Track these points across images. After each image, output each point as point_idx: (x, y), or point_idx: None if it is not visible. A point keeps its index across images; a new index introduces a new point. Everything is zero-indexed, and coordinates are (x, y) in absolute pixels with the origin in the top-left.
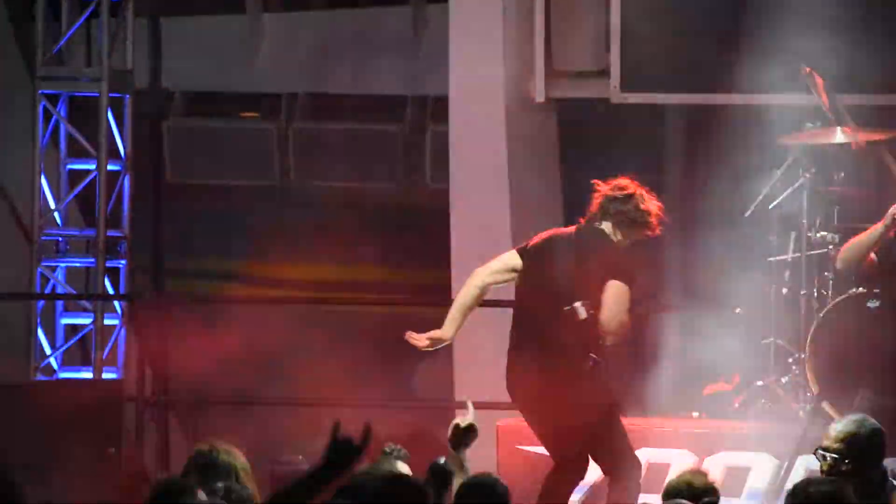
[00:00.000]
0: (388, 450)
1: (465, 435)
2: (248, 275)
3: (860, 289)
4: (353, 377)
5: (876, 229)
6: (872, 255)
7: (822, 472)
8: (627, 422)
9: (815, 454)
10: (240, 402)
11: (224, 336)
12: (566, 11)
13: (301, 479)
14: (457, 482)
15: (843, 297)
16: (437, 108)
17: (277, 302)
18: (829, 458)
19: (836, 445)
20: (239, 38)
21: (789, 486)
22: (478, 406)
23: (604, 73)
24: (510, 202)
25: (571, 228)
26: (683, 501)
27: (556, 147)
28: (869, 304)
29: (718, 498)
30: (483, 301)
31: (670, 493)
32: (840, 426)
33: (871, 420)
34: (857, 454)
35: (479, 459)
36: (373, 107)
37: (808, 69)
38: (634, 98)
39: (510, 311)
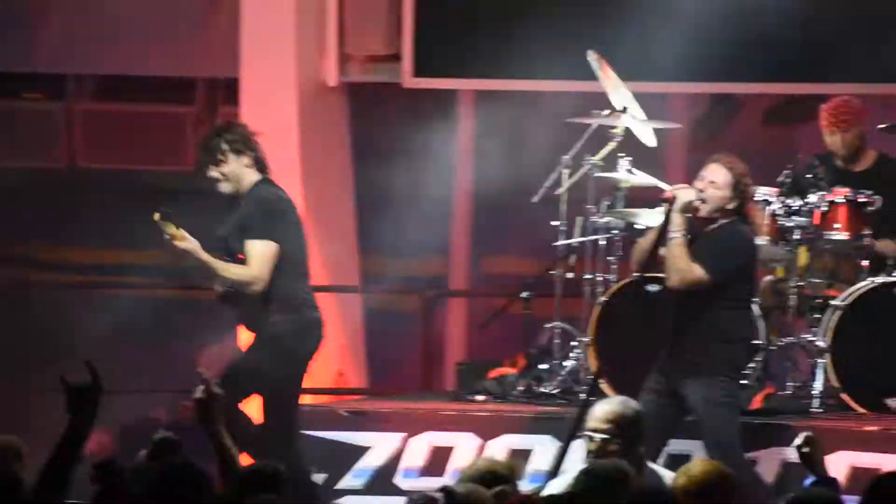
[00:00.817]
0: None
1: (210, 406)
2: (37, 259)
3: (640, 273)
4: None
5: (655, 229)
6: (662, 251)
7: (589, 452)
8: (415, 405)
9: (581, 436)
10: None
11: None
12: None
13: (59, 443)
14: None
15: (624, 281)
16: (229, 90)
17: (73, 287)
18: (596, 439)
19: (604, 426)
20: (21, 17)
21: (566, 466)
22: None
23: (396, 57)
24: (301, 185)
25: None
26: (476, 486)
27: (347, 131)
28: (649, 288)
29: (515, 486)
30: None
31: (467, 479)
32: (606, 407)
33: (634, 401)
34: (624, 434)
35: None
36: (162, 88)
37: (596, 55)
38: (426, 83)
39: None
